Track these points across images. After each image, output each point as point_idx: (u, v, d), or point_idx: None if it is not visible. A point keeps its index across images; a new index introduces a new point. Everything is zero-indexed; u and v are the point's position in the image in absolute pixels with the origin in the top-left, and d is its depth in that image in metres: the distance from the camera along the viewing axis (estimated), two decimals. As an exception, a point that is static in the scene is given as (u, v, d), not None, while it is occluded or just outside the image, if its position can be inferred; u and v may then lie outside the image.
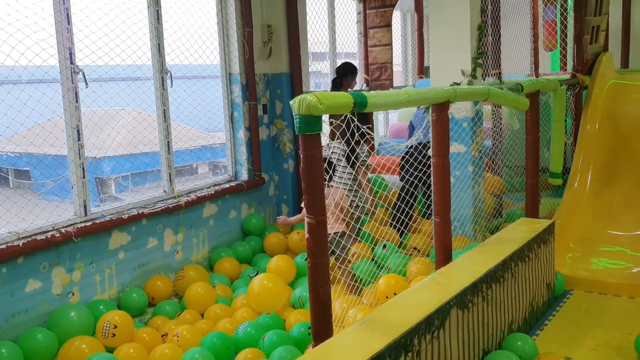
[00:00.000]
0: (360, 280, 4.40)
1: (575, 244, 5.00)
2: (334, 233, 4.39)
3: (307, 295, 4.05)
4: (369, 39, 8.02)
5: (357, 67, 6.75)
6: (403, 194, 5.04)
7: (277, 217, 5.58)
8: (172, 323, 4.19)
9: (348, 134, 3.02)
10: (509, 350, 3.21)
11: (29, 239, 3.94)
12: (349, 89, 6.48)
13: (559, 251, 4.49)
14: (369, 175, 5.39)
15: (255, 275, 4.87)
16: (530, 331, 3.70)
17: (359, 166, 5.17)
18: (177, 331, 3.95)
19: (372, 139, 3.39)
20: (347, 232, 4.53)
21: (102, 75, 4.57)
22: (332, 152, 5.06)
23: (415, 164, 4.40)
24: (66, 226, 4.22)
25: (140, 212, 4.74)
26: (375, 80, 7.71)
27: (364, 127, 2.88)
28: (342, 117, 2.78)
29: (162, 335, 4.03)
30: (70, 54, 4.25)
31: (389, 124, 9.01)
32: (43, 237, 4.01)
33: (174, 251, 5.12)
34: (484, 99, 4.03)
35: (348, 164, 5.03)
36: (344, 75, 6.48)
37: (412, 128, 5.56)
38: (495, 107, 5.44)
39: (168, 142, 5.15)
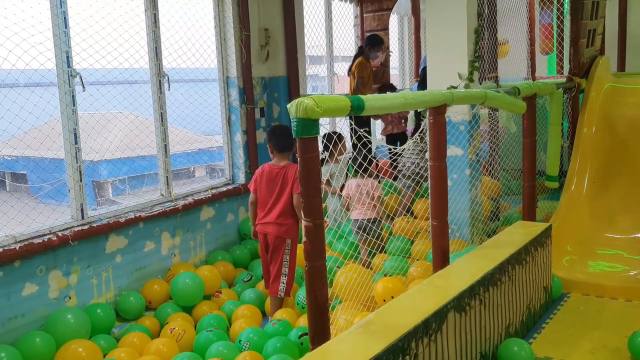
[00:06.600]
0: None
1: (572, 247, 5.00)
2: (367, 219, 4.72)
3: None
4: (366, 43, 8.03)
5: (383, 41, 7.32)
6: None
7: None
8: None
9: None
10: (505, 356, 3.20)
11: (26, 243, 3.93)
12: (370, 60, 6.97)
13: (556, 254, 4.49)
14: None
15: (249, 280, 4.85)
16: (527, 334, 3.70)
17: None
18: (171, 327, 3.97)
19: (370, 142, 3.49)
20: (378, 219, 4.82)
21: (99, 79, 4.57)
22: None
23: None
24: (63, 230, 4.22)
25: (137, 215, 4.74)
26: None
27: None
28: None
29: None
30: (68, 57, 4.25)
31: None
32: (40, 240, 4.00)
33: (171, 255, 5.11)
34: (481, 103, 4.04)
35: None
36: (368, 44, 6.98)
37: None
38: (492, 111, 5.45)
39: (165, 145, 5.15)
